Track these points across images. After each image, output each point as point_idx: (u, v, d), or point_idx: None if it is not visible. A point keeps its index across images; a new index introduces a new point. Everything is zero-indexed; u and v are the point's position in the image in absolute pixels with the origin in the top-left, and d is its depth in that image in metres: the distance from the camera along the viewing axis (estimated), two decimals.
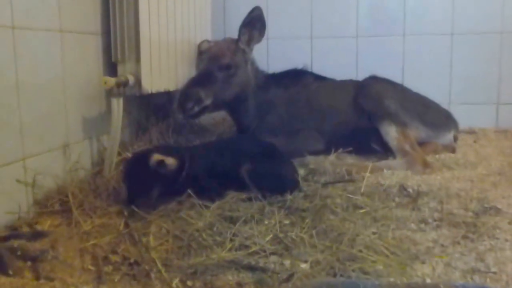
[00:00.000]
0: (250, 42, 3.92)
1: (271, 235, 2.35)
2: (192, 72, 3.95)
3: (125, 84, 3.05)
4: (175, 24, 3.69)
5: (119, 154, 3.12)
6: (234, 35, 3.96)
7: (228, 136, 4.12)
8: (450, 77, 4.85)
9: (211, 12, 4.64)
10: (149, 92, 3.23)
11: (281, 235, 2.36)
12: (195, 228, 2.39)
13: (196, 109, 3.68)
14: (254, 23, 3.85)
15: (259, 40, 3.93)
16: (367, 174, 3.21)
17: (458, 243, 2.36)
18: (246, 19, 3.83)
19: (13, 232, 2.26)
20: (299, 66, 4.25)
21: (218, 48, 3.97)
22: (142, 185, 2.62)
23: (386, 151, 3.66)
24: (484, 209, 2.70)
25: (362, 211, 2.68)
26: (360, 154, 3.74)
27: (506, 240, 2.36)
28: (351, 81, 4.18)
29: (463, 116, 4.27)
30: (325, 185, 3.05)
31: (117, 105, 2.97)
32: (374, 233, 2.41)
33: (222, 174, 2.82)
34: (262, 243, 2.28)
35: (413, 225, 2.55)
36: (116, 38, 3.12)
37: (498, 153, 3.81)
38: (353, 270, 2.07)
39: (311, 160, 3.41)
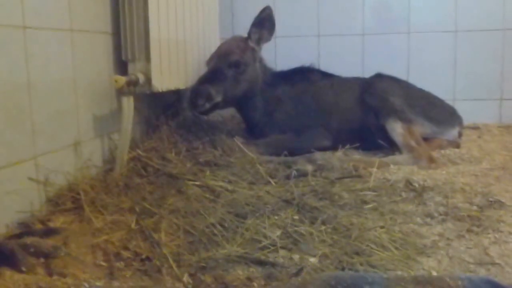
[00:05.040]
0: (260, 41, 3.95)
1: (281, 230, 2.35)
2: (202, 71, 3.94)
3: (135, 82, 3.03)
4: (184, 23, 3.69)
5: (129, 151, 3.11)
6: (242, 33, 3.96)
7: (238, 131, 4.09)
8: (454, 74, 4.85)
9: (219, 11, 4.64)
10: (159, 90, 3.22)
11: (290, 230, 2.35)
12: (205, 224, 2.38)
13: (207, 105, 3.69)
14: (264, 23, 3.87)
15: (268, 39, 3.95)
16: (374, 169, 3.21)
17: (463, 236, 2.36)
18: (257, 18, 3.85)
19: (26, 229, 2.25)
20: (306, 63, 4.26)
21: (227, 46, 3.99)
22: None
23: (392, 147, 3.65)
24: (488, 203, 2.70)
25: (369, 206, 2.69)
26: (367, 150, 3.74)
27: (510, 233, 2.37)
28: (357, 78, 4.19)
29: (467, 112, 4.27)
30: (333, 181, 3.04)
31: (128, 103, 2.96)
32: (381, 227, 2.41)
33: None
34: (272, 237, 2.27)
35: (419, 219, 2.55)
36: (126, 38, 3.11)
37: (501, 148, 3.81)
38: (360, 264, 2.07)
39: (318, 156, 3.40)
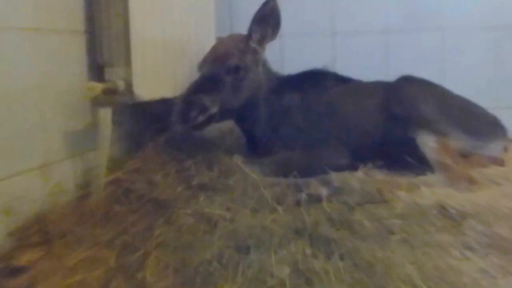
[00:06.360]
0: (263, 40, 3.91)
1: (290, 267, 2.34)
2: (194, 76, 3.94)
3: (113, 91, 3.03)
4: (172, 19, 3.69)
5: (108, 174, 3.11)
6: (241, 31, 3.95)
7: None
8: (497, 78, 4.83)
9: (215, 5, 4.64)
10: (143, 100, 3.22)
11: (302, 267, 2.35)
12: (200, 260, 2.38)
13: (201, 118, 3.64)
14: (267, 19, 3.83)
15: (272, 38, 3.92)
16: (402, 193, 3.20)
17: (510, 273, 2.34)
18: (258, 13, 3.81)
19: None
20: (319, 66, 4.25)
21: (224, 47, 3.96)
22: None
23: (423, 165, 3.63)
24: None
25: (397, 237, 2.67)
26: (393, 169, 3.73)
27: None
28: (380, 82, 4.17)
29: None
30: (353, 207, 3.03)
31: (105, 116, 2.97)
32: (411, 263, 2.40)
33: None
34: (280, 276, 2.27)
35: (457, 253, 2.53)
36: (103, 37, 3.12)
37: None
38: None
39: (335, 177, 3.39)
